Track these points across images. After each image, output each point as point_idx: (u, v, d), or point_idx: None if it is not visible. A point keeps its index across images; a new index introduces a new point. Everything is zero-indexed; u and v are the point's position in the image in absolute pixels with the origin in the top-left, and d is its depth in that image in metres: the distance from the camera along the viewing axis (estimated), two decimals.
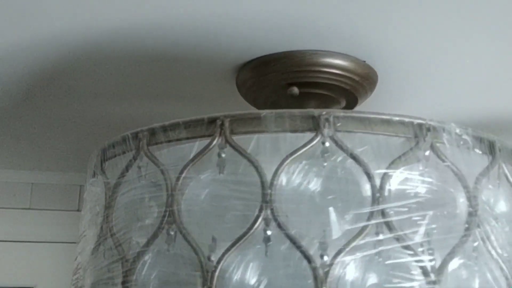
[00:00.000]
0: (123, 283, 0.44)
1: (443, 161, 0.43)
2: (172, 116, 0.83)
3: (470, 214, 0.43)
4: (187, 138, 0.46)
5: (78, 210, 1.35)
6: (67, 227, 1.30)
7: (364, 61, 0.62)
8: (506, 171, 0.46)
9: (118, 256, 0.45)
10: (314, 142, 0.42)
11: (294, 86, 0.62)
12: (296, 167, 0.42)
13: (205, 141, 0.45)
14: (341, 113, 0.43)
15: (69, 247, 1.29)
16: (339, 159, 0.42)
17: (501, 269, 0.42)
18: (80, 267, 0.52)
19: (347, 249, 0.39)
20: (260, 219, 0.41)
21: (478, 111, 0.79)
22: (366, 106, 0.71)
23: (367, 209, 0.40)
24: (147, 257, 0.44)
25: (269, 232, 0.41)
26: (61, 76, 0.70)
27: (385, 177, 0.41)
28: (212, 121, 0.44)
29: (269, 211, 0.41)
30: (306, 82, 0.62)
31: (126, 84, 0.72)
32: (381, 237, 0.40)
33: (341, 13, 0.54)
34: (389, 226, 0.40)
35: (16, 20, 0.56)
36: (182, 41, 0.60)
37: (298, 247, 0.40)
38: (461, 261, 0.42)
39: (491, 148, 0.46)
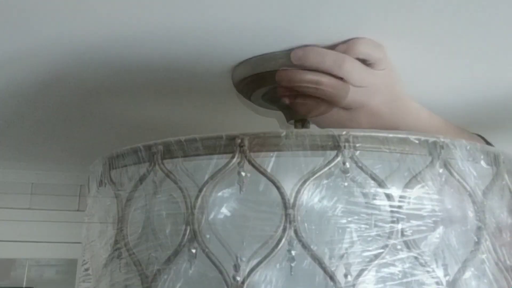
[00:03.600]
0: None
1: (455, 178, 0.44)
2: (171, 114, 0.84)
3: (479, 228, 0.44)
4: (205, 155, 0.45)
5: (78, 210, 1.33)
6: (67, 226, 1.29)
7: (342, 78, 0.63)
8: (508, 183, 0.48)
9: (137, 272, 0.45)
10: (335, 162, 0.42)
11: (285, 97, 0.65)
12: (316, 187, 0.43)
13: (224, 158, 0.44)
14: (360, 132, 0.43)
15: (70, 247, 1.29)
16: (359, 179, 0.43)
17: (506, 279, 0.45)
18: (89, 274, 0.52)
19: (369, 268, 0.41)
20: (283, 240, 0.41)
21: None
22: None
23: (387, 229, 0.42)
24: (167, 275, 0.44)
25: (293, 252, 0.41)
26: (62, 78, 0.69)
27: (403, 197, 0.42)
28: (231, 139, 0.44)
29: (292, 232, 0.41)
30: (295, 94, 0.64)
31: (127, 84, 0.71)
32: (400, 255, 0.42)
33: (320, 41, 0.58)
34: (408, 245, 0.42)
35: (20, 26, 0.55)
36: (188, 42, 0.60)
37: (323, 268, 0.41)
38: (471, 273, 0.44)
39: (495, 161, 0.48)
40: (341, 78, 0.60)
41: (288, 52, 0.61)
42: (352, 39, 0.59)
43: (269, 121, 0.80)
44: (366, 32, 0.58)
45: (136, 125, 0.90)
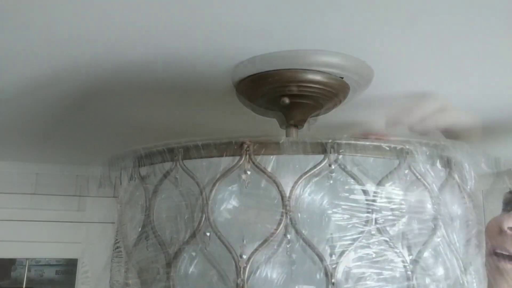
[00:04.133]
0: (167, 272, 0.44)
1: (417, 177, 0.45)
2: (174, 114, 0.80)
3: (434, 218, 0.45)
4: (217, 156, 0.45)
5: (114, 197, 1.24)
6: (105, 210, 1.21)
7: (342, 78, 0.62)
8: (458, 181, 0.49)
9: (161, 250, 0.45)
10: (322, 164, 0.43)
11: (285, 97, 0.63)
12: (307, 184, 0.43)
13: (232, 159, 0.45)
14: (343, 140, 0.44)
15: (70, 247, 1.18)
16: (341, 178, 0.43)
17: (456, 258, 0.46)
18: (121, 251, 0.52)
19: (350, 249, 0.41)
20: (281, 226, 0.42)
21: None
22: (341, 111, 0.72)
23: (364, 218, 0.42)
24: (186, 253, 0.44)
25: (289, 236, 0.42)
26: (69, 80, 0.65)
27: (376, 193, 0.43)
28: (240, 144, 0.44)
29: (288, 219, 0.42)
30: (294, 94, 0.62)
31: (132, 86, 0.67)
32: (374, 239, 0.42)
33: (320, 41, 0.54)
34: (380, 231, 0.42)
35: (29, 26, 0.50)
36: (194, 58, 0.57)
37: (312, 248, 0.41)
38: (429, 253, 0.44)
39: (448, 164, 0.49)
40: (341, 78, 0.57)
41: (288, 53, 0.57)
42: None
43: (269, 121, 0.72)
44: (369, 37, 0.53)
45: (140, 126, 0.84)
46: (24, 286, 1.38)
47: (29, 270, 1.43)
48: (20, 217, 1.21)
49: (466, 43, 0.55)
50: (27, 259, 1.41)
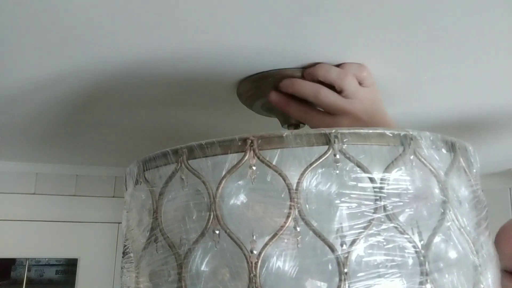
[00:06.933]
0: (178, 273, 0.44)
1: (423, 162, 0.45)
2: (187, 121, 0.81)
3: (443, 202, 0.45)
4: (222, 154, 0.45)
5: (114, 197, 1.23)
6: (105, 210, 1.20)
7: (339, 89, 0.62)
8: (463, 164, 0.49)
9: (171, 252, 0.45)
10: (327, 154, 0.43)
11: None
12: (313, 175, 0.43)
13: (237, 156, 0.45)
14: (346, 130, 0.43)
15: (108, 226, 1.19)
16: (347, 167, 0.43)
17: (467, 241, 0.45)
18: (131, 256, 0.51)
19: (360, 238, 0.41)
20: (290, 219, 0.42)
21: (433, 117, 0.81)
22: None
23: (372, 206, 0.42)
24: (196, 252, 0.44)
25: (298, 229, 0.42)
26: (101, 93, 0.66)
27: (383, 180, 0.43)
28: (244, 140, 0.44)
29: (296, 212, 0.42)
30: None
31: (151, 96, 0.69)
32: (384, 226, 0.42)
33: (319, 43, 0.55)
34: (389, 218, 0.42)
35: (65, 48, 0.53)
36: (199, 62, 0.59)
37: (323, 239, 0.41)
38: (440, 238, 0.44)
39: (453, 147, 0.48)
40: (335, 88, 0.60)
41: (284, 70, 0.61)
42: (343, 63, 0.60)
43: (270, 121, 0.74)
44: (354, 55, 0.58)
45: (140, 126, 0.85)
46: (24, 286, 1.35)
47: (29, 270, 1.40)
48: (20, 217, 1.18)
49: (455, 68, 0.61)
50: (27, 259, 1.38)
